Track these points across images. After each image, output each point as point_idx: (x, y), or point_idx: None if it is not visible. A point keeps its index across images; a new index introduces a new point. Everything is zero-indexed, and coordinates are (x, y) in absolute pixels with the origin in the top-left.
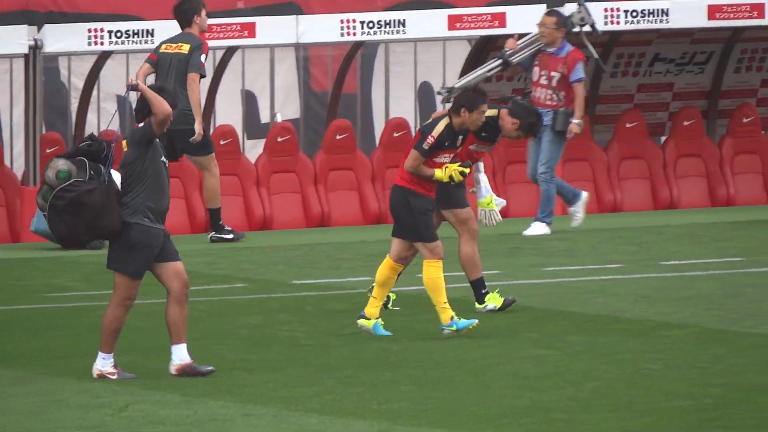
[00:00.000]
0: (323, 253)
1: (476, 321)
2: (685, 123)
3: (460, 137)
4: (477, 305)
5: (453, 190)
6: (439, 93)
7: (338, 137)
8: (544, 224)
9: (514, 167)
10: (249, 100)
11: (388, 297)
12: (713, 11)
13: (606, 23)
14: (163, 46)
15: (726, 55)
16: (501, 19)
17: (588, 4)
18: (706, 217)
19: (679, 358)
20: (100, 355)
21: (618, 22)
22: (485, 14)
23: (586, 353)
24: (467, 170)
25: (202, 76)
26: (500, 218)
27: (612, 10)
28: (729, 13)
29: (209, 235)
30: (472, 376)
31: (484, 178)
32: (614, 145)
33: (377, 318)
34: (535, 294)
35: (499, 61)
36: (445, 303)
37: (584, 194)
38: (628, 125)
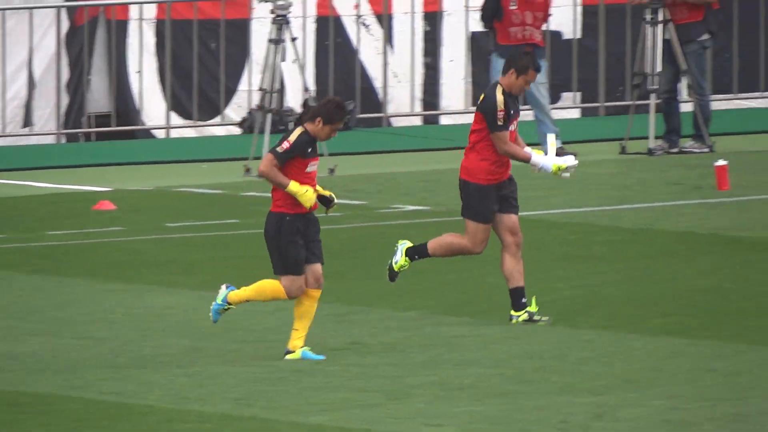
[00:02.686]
0: None
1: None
2: None
3: (317, 143)
4: (401, 253)
5: (476, 204)
6: None
7: None
8: None
9: None
10: None
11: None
12: None
13: None
14: None
15: None
16: None
17: None
18: None
19: None
20: None
21: None
22: None
23: None
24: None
25: None
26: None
27: None
28: None
29: None
30: None
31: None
32: None
33: (302, 347)
34: None
35: None
36: (232, 306)
37: None
38: None
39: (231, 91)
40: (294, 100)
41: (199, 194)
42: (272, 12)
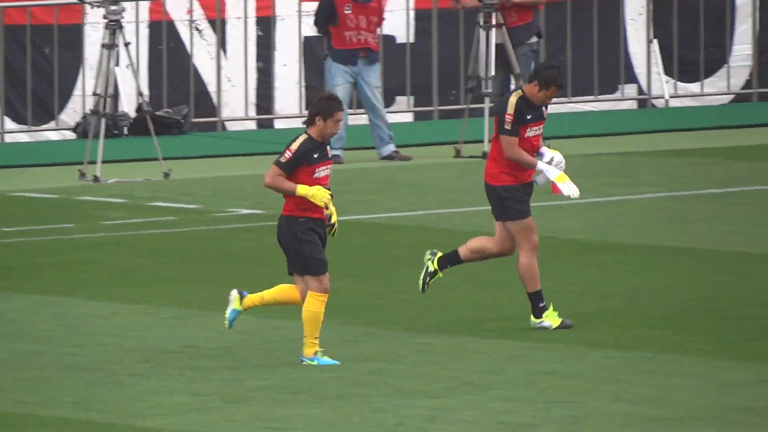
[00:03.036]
0: None
1: (338, 363)
2: None
3: (329, 147)
4: (533, 319)
5: (508, 203)
6: None
7: None
8: None
9: None
10: None
11: (436, 272)
12: None
13: None
14: None
15: None
16: None
17: None
18: None
19: None
20: None
21: None
22: None
23: None
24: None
25: None
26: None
27: None
28: None
29: None
30: None
31: (543, 166)
32: None
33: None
34: None
35: None
36: (315, 338)
37: None
38: None
39: (65, 96)
40: (128, 105)
41: (34, 199)
42: (105, 17)
